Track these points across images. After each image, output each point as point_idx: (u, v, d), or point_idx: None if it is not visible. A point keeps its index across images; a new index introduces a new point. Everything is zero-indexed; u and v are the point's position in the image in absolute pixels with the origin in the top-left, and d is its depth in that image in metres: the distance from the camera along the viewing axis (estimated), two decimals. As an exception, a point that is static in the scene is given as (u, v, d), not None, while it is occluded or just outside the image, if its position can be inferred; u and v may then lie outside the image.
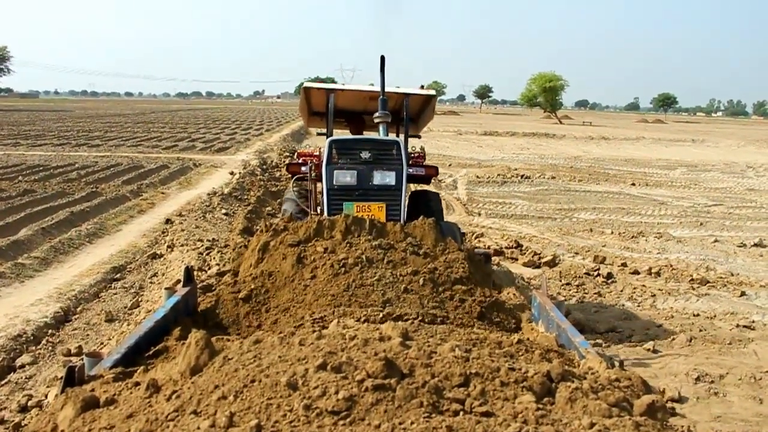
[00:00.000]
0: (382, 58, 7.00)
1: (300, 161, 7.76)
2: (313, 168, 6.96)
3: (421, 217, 5.64)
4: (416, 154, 8.29)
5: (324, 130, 7.80)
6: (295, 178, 7.46)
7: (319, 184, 6.80)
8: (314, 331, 2.44)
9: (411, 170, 7.02)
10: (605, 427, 1.87)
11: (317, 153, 7.89)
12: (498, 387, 2.08)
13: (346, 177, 6.35)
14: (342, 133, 8.57)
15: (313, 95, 7.87)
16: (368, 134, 7.88)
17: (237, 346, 2.40)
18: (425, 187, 8.40)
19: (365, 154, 6.41)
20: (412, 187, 8.34)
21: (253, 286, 4.68)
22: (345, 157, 6.45)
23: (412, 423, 1.83)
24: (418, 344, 2.29)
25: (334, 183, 6.34)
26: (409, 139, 7.72)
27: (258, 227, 6.52)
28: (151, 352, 3.15)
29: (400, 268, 4.75)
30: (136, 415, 2.13)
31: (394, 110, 7.44)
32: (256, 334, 2.52)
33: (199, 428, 1.82)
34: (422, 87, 7.78)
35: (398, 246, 5.10)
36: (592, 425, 1.87)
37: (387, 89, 7.05)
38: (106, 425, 2.11)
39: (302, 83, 8.00)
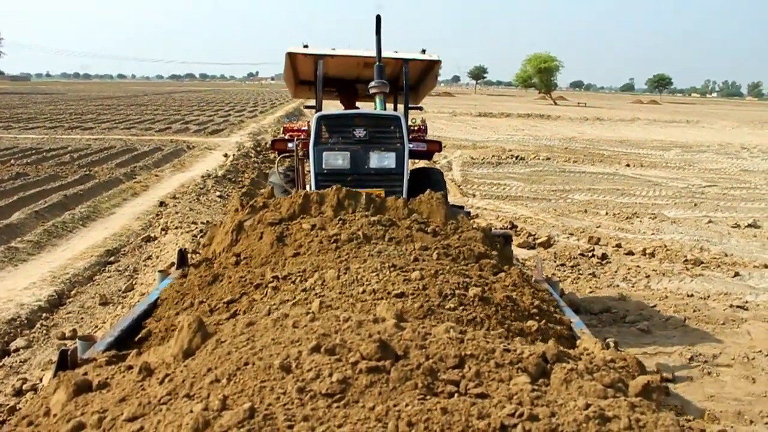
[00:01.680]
0: (378, 18, 6.11)
1: (286, 137, 6.92)
2: (300, 145, 6.14)
3: (427, 191, 4.97)
4: (417, 127, 7.43)
5: (313, 103, 6.95)
6: (280, 156, 6.76)
7: (307, 164, 5.98)
8: (307, 313, 2.42)
9: (411, 146, 6.21)
10: (600, 408, 1.86)
11: (306, 128, 7.00)
12: (493, 368, 2.07)
13: (337, 159, 5.55)
14: (334, 105, 7.81)
15: (300, 62, 6.93)
16: (363, 108, 7.08)
17: (230, 328, 2.38)
18: (427, 164, 7.57)
19: (360, 132, 5.63)
20: (412, 165, 7.28)
21: (223, 271, 3.98)
22: (336, 136, 5.67)
23: (406, 405, 1.82)
24: (413, 326, 2.28)
25: (324, 167, 5.56)
26: (409, 111, 6.87)
27: (231, 205, 5.81)
28: (140, 335, 3.14)
29: (406, 245, 3.98)
30: (128, 398, 2.11)
31: (391, 78, 6.61)
32: (249, 317, 2.50)
33: (192, 411, 1.81)
34: (423, 51, 6.80)
35: (401, 223, 4.35)
36: (587, 406, 1.86)
37: (384, 54, 6.22)
38: (99, 409, 2.09)
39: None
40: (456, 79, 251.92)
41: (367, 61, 6.61)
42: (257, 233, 4.30)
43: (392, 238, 4.05)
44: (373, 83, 6.05)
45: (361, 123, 5.68)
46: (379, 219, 4.32)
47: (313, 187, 5.55)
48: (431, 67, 6.99)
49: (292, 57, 6.71)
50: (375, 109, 6.14)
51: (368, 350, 2.00)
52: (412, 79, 7.13)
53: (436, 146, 6.89)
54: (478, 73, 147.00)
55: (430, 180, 6.40)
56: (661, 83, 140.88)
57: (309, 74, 7.05)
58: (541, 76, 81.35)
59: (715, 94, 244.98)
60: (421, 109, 7.89)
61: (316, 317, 2.37)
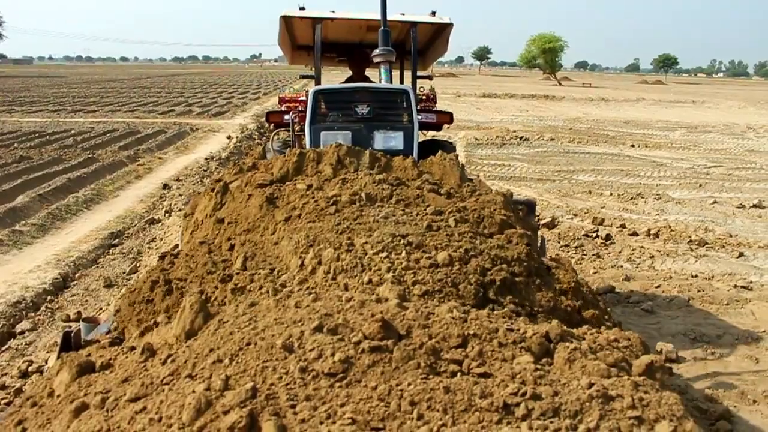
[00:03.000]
0: None
1: (283, 108, 6.44)
2: (297, 118, 5.68)
3: (439, 152, 4.52)
4: (425, 96, 6.86)
5: (310, 72, 6.30)
6: (275, 130, 6.26)
7: (304, 140, 5.40)
8: (309, 293, 2.42)
9: (420, 117, 5.63)
10: (603, 387, 1.85)
11: (303, 98, 6.36)
12: (496, 348, 2.06)
13: (337, 139, 4.88)
14: (341, 73, 7.21)
15: (296, 26, 6.34)
16: (366, 81, 6.47)
17: (232, 309, 2.38)
18: (437, 135, 6.94)
19: (363, 109, 5.07)
20: (420, 137, 6.40)
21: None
22: (336, 113, 5.13)
23: (409, 384, 1.82)
24: (416, 305, 2.27)
25: (322, 147, 4.88)
26: (417, 80, 6.39)
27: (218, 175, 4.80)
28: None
29: (416, 207, 3.50)
30: (131, 379, 2.12)
31: (397, 43, 6.11)
32: (251, 298, 2.50)
33: (194, 391, 1.81)
34: (433, 13, 6.09)
35: (411, 183, 3.89)
36: (590, 385, 1.86)
37: (389, 18, 5.51)
38: (102, 389, 2.10)
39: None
40: (460, 59, 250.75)
41: (370, 24, 6.02)
42: (244, 195, 3.80)
43: (401, 200, 3.56)
44: (377, 51, 5.41)
45: (364, 98, 5.15)
46: (386, 178, 3.82)
47: None
48: (442, 30, 6.35)
49: (287, 21, 6.15)
50: (380, 81, 5.57)
51: (371, 330, 1.99)
52: (421, 44, 6.52)
53: (447, 118, 6.33)
54: (482, 54, 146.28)
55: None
56: (666, 63, 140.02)
57: (307, 38, 6.51)
58: (546, 57, 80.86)
59: (721, 74, 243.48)
60: (431, 78, 7.17)
61: (318, 297, 2.36)
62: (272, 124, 6.46)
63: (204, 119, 23.13)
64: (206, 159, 13.99)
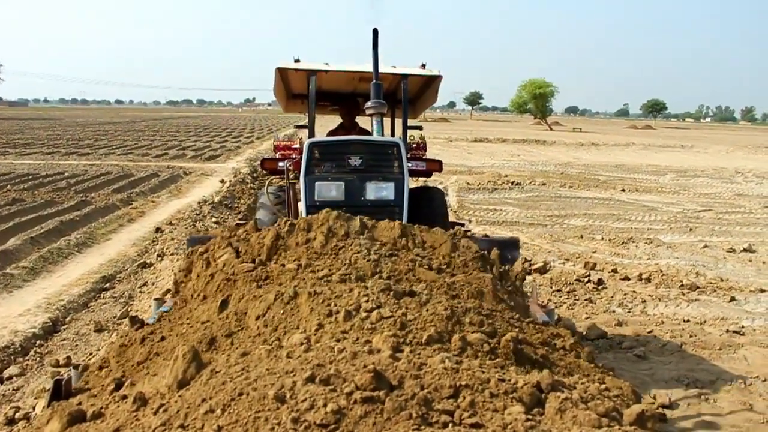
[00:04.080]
0: (375, 33, 5.51)
1: (277, 156, 6.53)
2: (291, 166, 5.71)
3: (437, 229, 4.57)
4: (415, 144, 6.99)
5: (304, 121, 6.40)
6: (270, 177, 6.34)
7: (299, 187, 5.42)
8: (302, 344, 2.42)
9: (410, 165, 5.85)
10: (595, 438, 1.86)
11: (297, 145, 6.57)
12: (487, 398, 2.07)
13: (330, 191, 5.09)
14: (332, 120, 7.35)
15: (291, 78, 6.54)
16: (356, 136, 6.28)
17: (224, 359, 2.38)
18: (427, 182, 7.02)
19: (355, 161, 5.17)
20: (412, 183, 6.39)
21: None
22: (329, 164, 5.21)
23: (400, 435, 1.82)
24: (408, 356, 2.28)
25: (316, 198, 5.12)
26: (408, 130, 6.48)
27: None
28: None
29: (408, 283, 3.56)
30: (123, 429, 2.11)
31: (388, 93, 6.29)
32: (243, 348, 2.50)
33: (186, 442, 1.81)
34: (423, 66, 6.31)
35: (403, 255, 3.97)
36: (581, 436, 1.87)
37: (381, 70, 5.67)
38: (93, 440, 2.09)
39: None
40: (452, 104, 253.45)
41: (362, 76, 6.19)
42: (230, 278, 3.74)
43: (391, 276, 3.55)
44: (369, 104, 5.54)
45: (356, 150, 5.25)
46: (379, 249, 3.87)
47: None
48: (431, 82, 6.59)
49: (282, 72, 6.30)
50: (372, 132, 5.74)
51: (363, 380, 2.00)
52: (411, 94, 6.75)
53: (436, 165, 6.58)
54: (473, 99, 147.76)
55: (430, 201, 6.12)
56: (655, 108, 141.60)
57: (301, 88, 6.70)
58: (537, 102, 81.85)
59: (708, 119, 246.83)
60: (421, 128, 7.26)
61: (310, 347, 2.37)
62: (266, 171, 6.53)
63: (197, 163, 23.22)
64: (199, 203, 14.00)
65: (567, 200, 16.30)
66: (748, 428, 4.72)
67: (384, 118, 5.88)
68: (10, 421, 4.64)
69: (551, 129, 71.31)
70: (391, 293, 2.93)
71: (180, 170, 20.21)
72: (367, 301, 2.81)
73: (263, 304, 2.97)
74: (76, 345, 6.29)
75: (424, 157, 6.75)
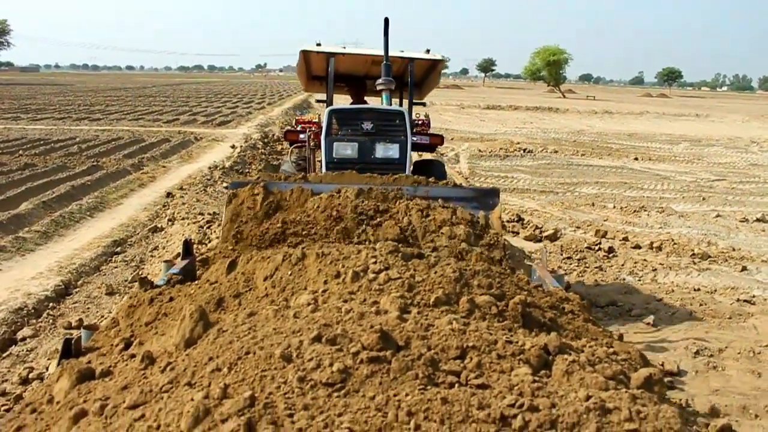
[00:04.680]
0: (386, 21, 6.53)
1: (299, 129, 7.42)
2: (311, 136, 6.67)
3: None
4: (420, 121, 7.92)
5: (323, 97, 7.50)
6: (293, 146, 7.27)
7: (318, 153, 6.52)
8: (309, 304, 2.43)
9: (415, 138, 6.71)
10: (601, 400, 1.85)
11: (316, 120, 7.53)
12: (494, 360, 2.07)
13: (346, 150, 6.07)
14: (343, 99, 8.39)
15: (313, 59, 7.56)
16: (370, 103, 7.51)
17: (231, 318, 2.39)
18: (429, 156, 8.17)
19: (367, 125, 6.14)
20: (416, 156, 7.97)
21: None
22: (345, 128, 6.19)
23: (406, 395, 1.82)
24: (415, 317, 2.27)
25: (334, 156, 6.06)
26: (414, 107, 7.47)
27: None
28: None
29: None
30: (130, 386, 2.13)
31: (397, 75, 7.12)
32: (251, 308, 2.51)
33: (193, 399, 1.82)
34: (428, 51, 7.36)
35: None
36: (588, 397, 1.86)
37: (390, 53, 6.63)
38: (101, 396, 2.10)
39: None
40: (464, 71, 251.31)
41: (374, 59, 7.08)
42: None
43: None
44: (380, 81, 6.46)
45: (368, 117, 6.20)
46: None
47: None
48: (435, 65, 7.58)
49: (305, 54, 7.26)
50: (382, 104, 6.58)
51: (369, 340, 2.00)
52: (417, 76, 7.62)
53: (438, 139, 7.38)
54: (486, 66, 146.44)
55: (432, 171, 6.77)
56: (670, 76, 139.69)
57: (320, 70, 7.72)
58: (550, 69, 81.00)
59: (725, 88, 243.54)
60: (424, 104, 8.33)
61: (317, 308, 2.37)
62: (289, 142, 7.52)
63: (208, 128, 23.19)
64: (210, 168, 14.01)
65: (579, 168, 16.19)
66: (755, 396, 4.72)
67: (393, 98, 6.87)
68: (24, 381, 4.71)
69: (564, 97, 70.67)
70: (400, 255, 2.94)
71: (191, 136, 20.19)
72: (375, 263, 2.83)
73: (271, 265, 2.98)
74: (88, 308, 6.34)
75: (428, 132, 7.60)
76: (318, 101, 8.21)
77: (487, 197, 5.13)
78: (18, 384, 4.67)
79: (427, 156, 8.39)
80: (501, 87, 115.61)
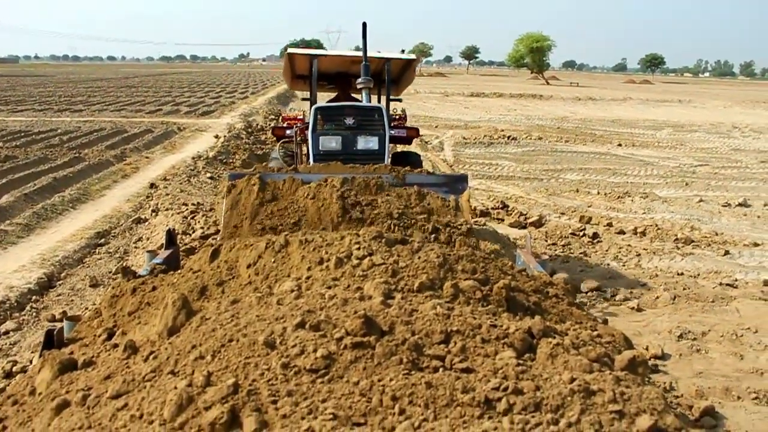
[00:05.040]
0: (364, 25, 7.25)
1: (285, 125, 7.99)
2: (298, 132, 7.15)
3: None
4: (398, 116, 8.51)
5: (308, 95, 8.13)
6: (280, 141, 7.75)
7: (304, 147, 7.06)
8: (292, 291, 2.41)
9: (393, 132, 7.25)
10: (585, 382, 1.86)
11: (301, 116, 8.18)
12: (479, 344, 2.07)
13: (331, 143, 6.58)
14: (326, 96, 8.92)
15: (297, 60, 8.20)
16: (352, 100, 8.22)
17: (214, 306, 2.37)
18: (407, 148, 8.74)
19: (349, 120, 6.68)
20: (398, 148, 8.69)
21: None
22: (330, 123, 6.72)
23: (391, 380, 1.81)
24: (399, 302, 2.27)
25: (320, 148, 6.55)
26: (391, 102, 8.07)
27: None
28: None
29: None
30: (113, 376, 2.11)
31: (375, 73, 7.77)
32: (234, 295, 2.49)
33: (176, 388, 1.80)
34: (403, 51, 8.54)
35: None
36: (572, 380, 1.87)
37: (369, 54, 7.27)
38: (84, 387, 2.08)
39: (287, 46, 8.58)
40: (448, 59, 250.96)
41: (354, 59, 7.78)
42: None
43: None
44: (360, 80, 7.14)
45: (350, 113, 6.77)
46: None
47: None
48: (410, 64, 8.33)
49: (290, 56, 7.98)
50: (362, 101, 7.24)
51: (353, 326, 1.99)
52: (393, 74, 8.30)
53: (414, 132, 7.90)
54: (470, 53, 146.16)
55: (409, 162, 7.27)
56: (653, 63, 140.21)
57: (303, 69, 8.40)
58: (534, 56, 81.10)
59: (707, 74, 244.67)
60: (400, 100, 9.12)
61: (301, 294, 2.36)
62: (276, 137, 8.04)
63: (191, 118, 23.01)
64: (193, 158, 13.91)
65: (563, 155, 16.24)
66: (738, 378, 4.77)
67: (372, 95, 7.57)
68: (8, 375, 4.67)
69: (548, 84, 70.75)
70: (383, 241, 2.94)
71: (174, 126, 20.03)
72: (358, 249, 2.84)
73: (254, 252, 2.97)
74: (72, 300, 6.29)
75: (405, 126, 8.14)
76: (304, 99, 8.78)
77: (457, 183, 5.68)
78: (1, 377, 4.63)
79: (404, 148, 8.90)
80: (485, 74, 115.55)
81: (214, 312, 2.29)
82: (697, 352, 5.17)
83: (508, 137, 18.71)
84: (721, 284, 6.83)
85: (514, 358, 1.98)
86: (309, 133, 6.65)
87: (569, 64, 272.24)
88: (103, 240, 8.24)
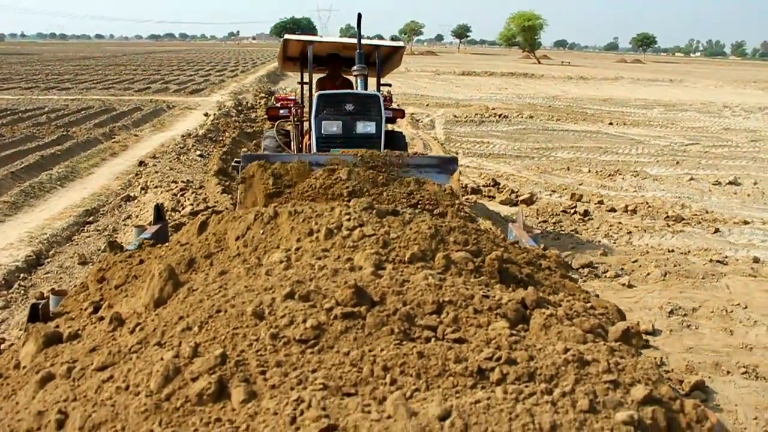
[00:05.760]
0: (359, 16, 8.07)
1: (279, 105, 8.52)
2: (295, 112, 7.75)
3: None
4: (384, 98, 8.88)
5: (299, 77, 8.92)
6: (275, 122, 8.17)
7: (302, 126, 7.75)
8: (281, 262, 2.37)
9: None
10: (579, 352, 1.84)
11: (293, 97, 8.80)
12: (471, 314, 2.04)
13: (332, 127, 7.04)
14: (317, 76, 9.25)
15: (291, 45, 8.73)
16: (344, 80, 8.83)
17: (202, 277, 2.33)
18: (392, 127, 9.16)
19: (349, 107, 7.13)
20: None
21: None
22: (331, 109, 7.13)
23: (382, 350, 1.78)
24: (391, 273, 2.23)
25: (323, 132, 7.01)
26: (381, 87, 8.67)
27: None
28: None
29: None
30: (99, 348, 2.07)
31: (365, 57, 8.31)
32: (222, 267, 2.45)
33: (162, 359, 1.77)
34: (392, 39, 8.92)
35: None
36: (566, 350, 1.84)
37: (361, 42, 7.81)
38: (69, 359, 2.04)
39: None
40: (439, 38, 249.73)
41: (346, 45, 8.48)
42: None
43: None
44: (355, 67, 7.72)
45: (350, 100, 7.22)
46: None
47: (314, 149, 6.90)
48: (397, 50, 8.94)
49: (285, 42, 8.50)
50: (356, 87, 7.81)
51: (343, 296, 1.96)
52: (382, 59, 8.92)
53: (400, 113, 8.41)
54: (461, 32, 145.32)
55: (394, 141, 7.79)
56: (645, 42, 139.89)
57: (295, 52, 9.03)
58: (525, 35, 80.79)
59: (698, 54, 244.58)
60: (390, 85, 9.83)
61: (290, 265, 2.32)
62: (270, 117, 8.46)
63: (181, 96, 22.81)
64: (183, 136, 13.79)
65: (554, 133, 16.21)
66: (728, 353, 4.79)
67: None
68: (-5, 351, 4.63)
69: (540, 62, 70.56)
70: (374, 212, 2.90)
71: (163, 104, 19.85)
72: (348, 220, 2.80)
73: (243, 224, 2.92)
74: (60, 278, 6.23)
75: (390, 107, 8.55)
76: (299, 83, 9.36)
77: (448, 164, 6.33)
78: (-12, 354, 4.59)
79: (390, 128, 9.27)
80: (476, 53, 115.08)
81: (202, 283, 2.25)
82: (687, 328, 5.19)
83: (500, 116, 18.66)
84: (711, 261, 6.85)
85: (507, 329, 1.96)
86: (312, 118, 7.08)
87: (561, 43, 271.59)
88: (91, 218, 8.16)
